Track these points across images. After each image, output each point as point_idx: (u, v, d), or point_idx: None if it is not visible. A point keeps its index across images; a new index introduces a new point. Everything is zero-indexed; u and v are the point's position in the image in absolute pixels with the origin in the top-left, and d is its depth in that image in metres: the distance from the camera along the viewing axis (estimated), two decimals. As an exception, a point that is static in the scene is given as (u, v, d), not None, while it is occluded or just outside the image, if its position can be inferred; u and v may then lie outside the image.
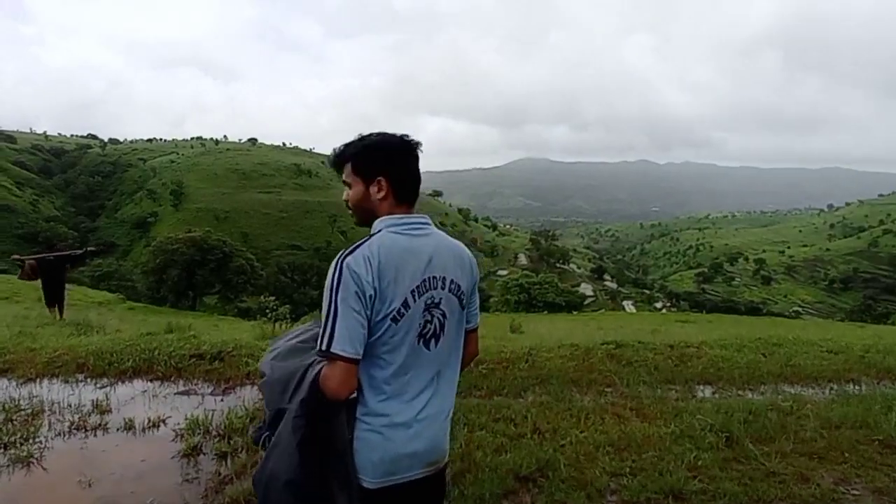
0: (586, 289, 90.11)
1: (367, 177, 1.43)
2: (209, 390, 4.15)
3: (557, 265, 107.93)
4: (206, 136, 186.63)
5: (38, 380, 4.27)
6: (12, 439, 3.33)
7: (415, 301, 1.36)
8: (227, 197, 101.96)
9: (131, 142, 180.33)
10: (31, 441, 3.32)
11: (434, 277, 1.40)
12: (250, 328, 10.53)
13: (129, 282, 43.51)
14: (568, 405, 4.18)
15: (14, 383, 4.20)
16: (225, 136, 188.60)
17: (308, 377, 1.36)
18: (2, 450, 3.22)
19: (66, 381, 4.25)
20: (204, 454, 3.21)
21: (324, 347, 1.28)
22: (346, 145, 1.48)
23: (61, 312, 8.95)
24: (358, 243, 1.35)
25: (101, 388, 4.14)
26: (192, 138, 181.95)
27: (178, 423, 3.53)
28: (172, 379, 4.31)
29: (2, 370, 4.42)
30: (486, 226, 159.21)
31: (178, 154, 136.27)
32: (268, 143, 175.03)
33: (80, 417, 3.63)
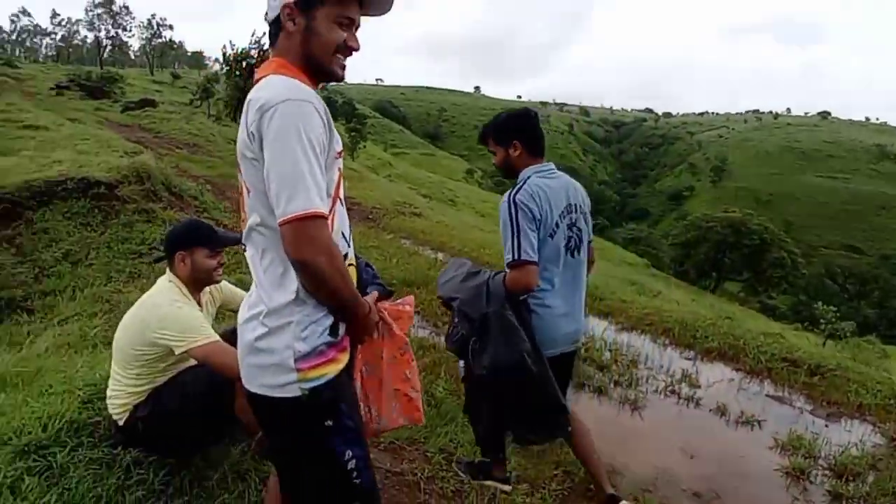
0: None
1: (505, 143, 2.13)
2: (808, 407, 3.75)
3: None
4: (764, 108, 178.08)
5: (631, 331, 5.00)
6: (619, 379, 3.97)
7: (562, 223, 2.06)
8: (776, 178, 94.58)
9: (682, 115, 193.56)
10: (633, 387, 3.86)
11: (570, 205, 2.10)
12: (780, 330, 9.37)
13: (654, 250, 47.77)
14: None
15: (613, 328, 5.07)
16: (788, 109, 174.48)
17: (494, 287, 2.03)
18: (612, 385, 3.89)
19: (654, 342, 4.78)
20: (811, 482, 2.88)
21: (516, 257, 1.92)
22: (485, 125, 2.23)
23: None
24: (518, 187, 2.03)
25: (686, 359, 4.44)
26: (746, 112, 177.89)
27: (777, 433, 3.33)
28: (760, 377, 4.15)
29: (603, 313, 5.42)
30: None
31: (728, 129, 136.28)
32: (843, 117, 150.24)
33: (671, 382, 3.96)
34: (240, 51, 23.66)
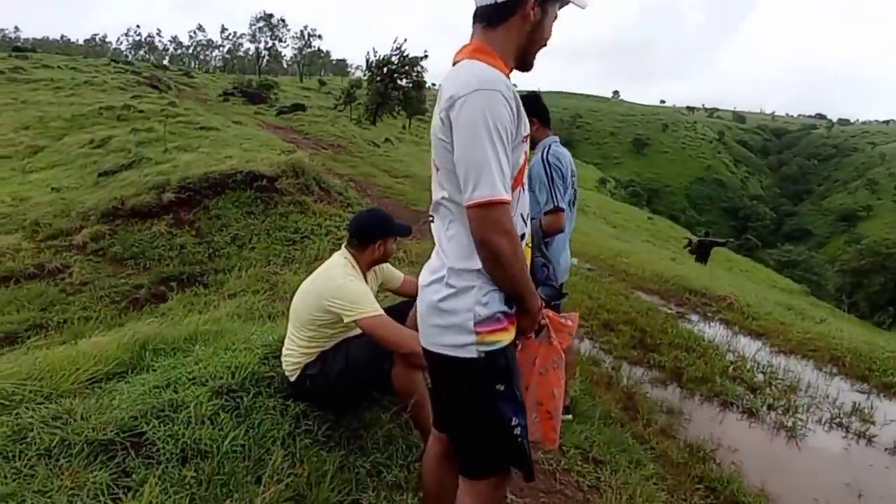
0: None
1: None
2: None
3: None
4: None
5: (789, 355, 4.60)
6: (774, 403, 3.69)
7: (570, 182, 2.72)
8: (983, 198, 79.94)
9: (863, 123, 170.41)
10: (790, 414, 3.57)
11: (573, 171, 2.77)
12: None
13: (816, 276, 42.56)
14: None
15: (767, 350, 4.70)
16: None
17: (533, 229, 1.95)
18: (766, 409, 3.63)
19: (819, 369, 4.36)
20: None
21: (556, 204, 2.58)
22: None
23: (705, 263, 12.83)
24: (546, 149, 2.68)
25: (859, 392, 4.01)
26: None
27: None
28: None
29: (757, 333, 5.04)
30: None
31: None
32: None
33: (838, 414, 3.61)
34: (382, 58, 25.31)
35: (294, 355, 2.24)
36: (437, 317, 1.32)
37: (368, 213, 2.46)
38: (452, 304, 1.29)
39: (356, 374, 2.15)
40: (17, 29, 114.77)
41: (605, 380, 3.78)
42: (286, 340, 2.29)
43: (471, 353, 1.27)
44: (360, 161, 12.85)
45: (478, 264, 1.26)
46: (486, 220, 1.19)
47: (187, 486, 1.74)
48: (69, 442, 1.78)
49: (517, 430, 1.32)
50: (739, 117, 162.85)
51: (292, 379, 2.25)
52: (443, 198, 1.33)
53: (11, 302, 5.00)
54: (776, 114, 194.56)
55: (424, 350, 1.39)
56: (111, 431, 1.85)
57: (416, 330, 2.16)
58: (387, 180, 11.14)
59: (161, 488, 1.68)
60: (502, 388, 1.30)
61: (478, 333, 1.26)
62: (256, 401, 2.21)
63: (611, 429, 3.04)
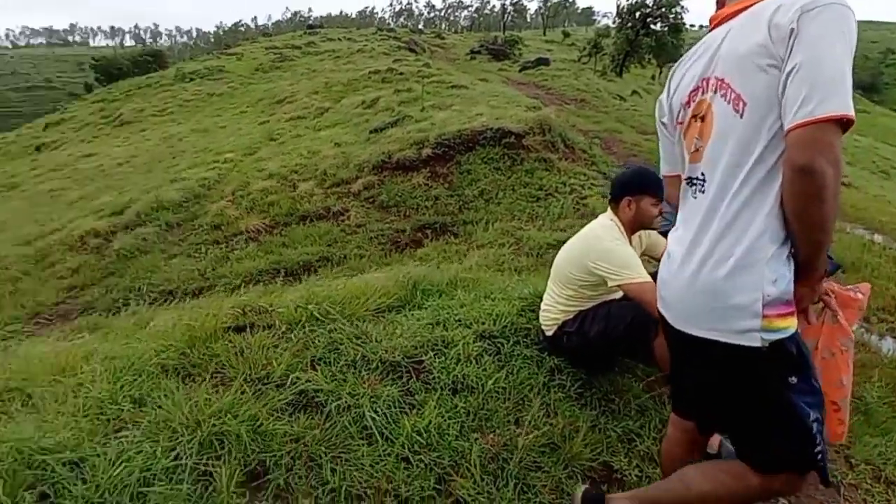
0: None
1: None
2: None
3: None
4: None
5: None
6: None
7: None
8: None
9: None
10: None
11: None
12: None
13: None
14: None
15: None
16: None
17: None
18: None
19: None
20: None
21: None
22: None
23: None
24: None
25: None
26: None
27: None
28: None
29: None
30: None
31: None
32: None
33: None
34: (634, 1, 23.65)
35: (553, 311, 2.31)
36: (708, 296, 1.14)
37: (627, 170, 2.34)
38: (733, 283, 1.10)
39: (615, 338, 2.13)
40: (310, 10, 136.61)
41: (912, 388, 3.10)
42: (545, 296, 2.37)
43: (753, 340, 1.09)
44: (604, 116, 12.40)
45: (764, 231, 1.07)
46: (818, 142, 0.97)
47: (458, 415, 1.96)
48: (368, 358, 2.14)
49: (815, 427, 1.14)
50: None
51: (549, 333, 2.33)
52: (740, 161, 1.11)
53: (307, 237, 6.14)
54: None
55: (678, 332, 1.23)
56: (398, 355, 2.17)
57: None
58: (634, 137, 10.56)
59: (437, 412, 1.92)
60: (795, 380, 1.13)
61: (765, 317, 1.07)
62: (515, 349, 2.36)
63: (915, 447, 2.51)
